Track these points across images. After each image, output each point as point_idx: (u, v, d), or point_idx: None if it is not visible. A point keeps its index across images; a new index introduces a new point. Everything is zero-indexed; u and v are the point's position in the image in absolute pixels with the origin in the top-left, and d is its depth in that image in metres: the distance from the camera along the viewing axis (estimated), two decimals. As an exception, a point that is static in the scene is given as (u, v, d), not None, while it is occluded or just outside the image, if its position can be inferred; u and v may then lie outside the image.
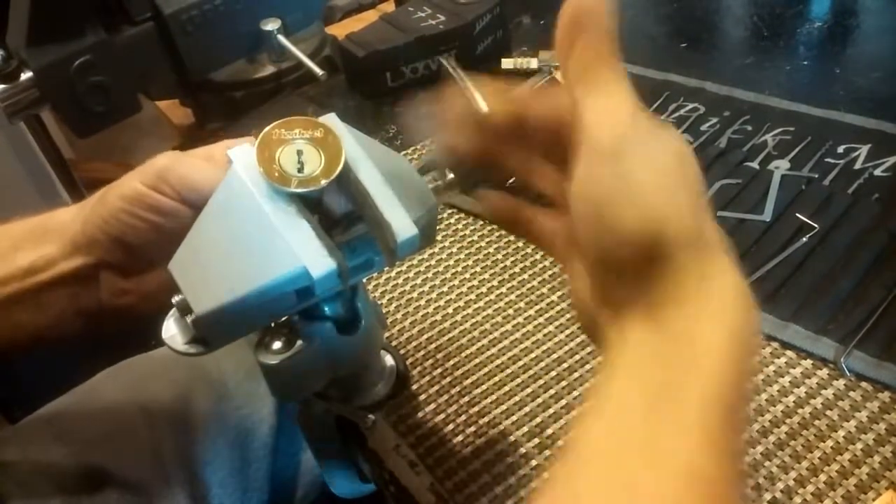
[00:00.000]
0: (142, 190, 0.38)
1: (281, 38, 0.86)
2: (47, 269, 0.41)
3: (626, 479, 0.24)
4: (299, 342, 0.40)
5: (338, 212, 0.36)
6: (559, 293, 0.60)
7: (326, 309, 0.40)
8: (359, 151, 0.35)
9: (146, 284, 0.41)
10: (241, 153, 0.35)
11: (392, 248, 0.34)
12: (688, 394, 0.25)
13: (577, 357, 0.55)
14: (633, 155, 0.26)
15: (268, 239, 0.33)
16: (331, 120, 0.36)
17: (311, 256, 0.33)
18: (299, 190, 0.33)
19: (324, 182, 0.33)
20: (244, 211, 0.34)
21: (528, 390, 0.54)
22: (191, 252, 0.34)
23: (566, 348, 0.56)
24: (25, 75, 0.73)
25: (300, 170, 0.33)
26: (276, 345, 0.40)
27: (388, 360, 0.54)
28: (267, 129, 0.34)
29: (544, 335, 0.57)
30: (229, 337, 0.37)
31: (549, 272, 0.62)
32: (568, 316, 0.58)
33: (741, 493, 0.26)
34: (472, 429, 0.52)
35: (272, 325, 0.41)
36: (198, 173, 0.37)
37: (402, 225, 0.34)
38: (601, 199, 0.27)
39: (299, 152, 0.34)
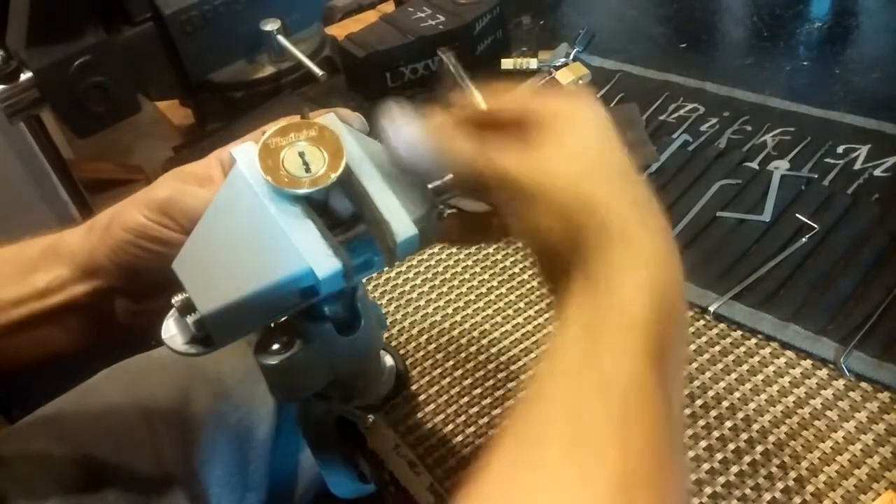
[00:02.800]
0: (146, 224, 0.39)
1: (281, 38, 0.86)
2: (62, 291, 0.41)
3: (573, 401, 0.28)
4: (299, 342, 0.40)
5: (338, 212, 0.36)
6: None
7: (326, 309, 0.40)
8: (358, 151, 0.35)
9: (158, 305, 0.42)
10: (243, 152, 0.34)
11: (391, 247, 0.34)
12: (616, 327, 0.29)
13: (576, 357, 0.55)
14: (556, 140, 0.32)
15: (272, 238, 0.33)
16: (329, 120, 0.36)
17: (316, 256, 0.33)
18: (311, 190, 0.33)
19: (333, 176, 0.33)
20: (248, 210, 0.34)
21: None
22: (195, 252, 0.34)
23: (566, 348, 0.56)
24: (25, 76, 0.73)
25: (307, 170, 0.33)
26: (276, 345, 0.40)
27: (388, 360, 0.54)
28: (264, 139, 0.34)
29: (544, 335, 0.57)
30: (232, 336, 0.37)
31: (549, 272, 0.62)
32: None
33: (678, 423, 0.30)
34: (472, 429, 0.52)
35: (272, 325, 0.41)
36: (201, 204, 0.37)
37: (402, 225, 0.34)
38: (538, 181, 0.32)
39: (301, 154, 0.34)
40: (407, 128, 0.35)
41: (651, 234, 0.32)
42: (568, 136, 0.33)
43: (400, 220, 0.34)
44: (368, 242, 0.36)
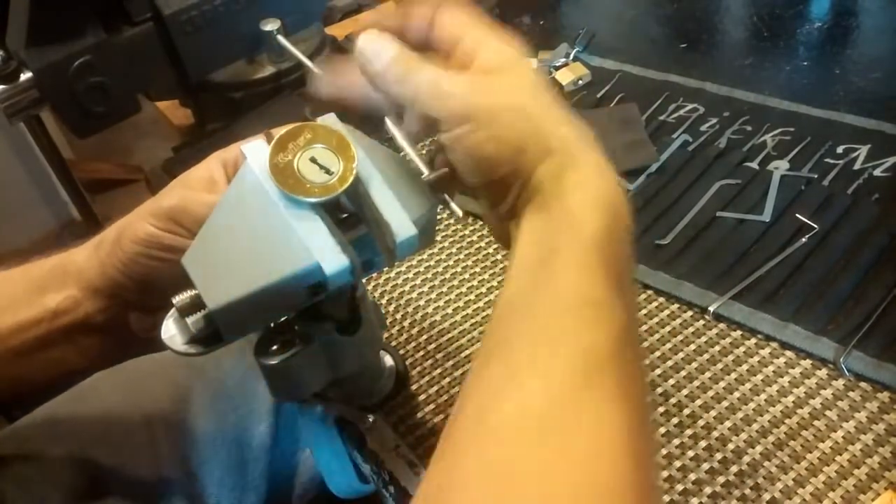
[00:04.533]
0: (156, 233, 0.39)
1: (281, 38, 0.86)
2: (74, 310, 0.42)
3: (534, 322, 0.30)
4: (299, 342, 0.40)
5: (341, 212, 0.36)
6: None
7: (328, 311, 0.40)
8: (358, 152, 0.35)
9: None
10: (254, 149, 0.34)
11: (391, 247, 0.34)
12: (571, 246, 0.31)
13: (576, 357, 0.55)
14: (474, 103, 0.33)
15: (282, 234, 0.33)
16: (330, 120, 0.36)
17: (325, 252, 0.33)
18: (324, 198, 0.33)
19: (346, 183, 0.33)
20: (258, 207, 0.34)
21: (528, 390, 0.53)
22: (204, 247, 0.35)
23: (566, 348, 0.56)
24: (25, 76, 0.73)
25: (328, 172, 0.33)
26: (276, 345, 0.40)
27: (388, 360, 0.54)
28: (272, 149, 0.33)
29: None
30: (240, 332, 0.37)
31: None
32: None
33: (635, 331, 0.33)
34: (472, 429, 0.52)
35: (272, 325, 0.41)
36: (209, 208, 0.37)
37: (402, 225, 0.34)
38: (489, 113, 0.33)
39: (313, 159, 0.34)
40: (382, 53, 0.35)
41: (594, 155, 0.34)
42: (510, 67, 0.34)
43: (400, 220, 0.34)
44: (369, 243, 0.36)
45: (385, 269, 0.65)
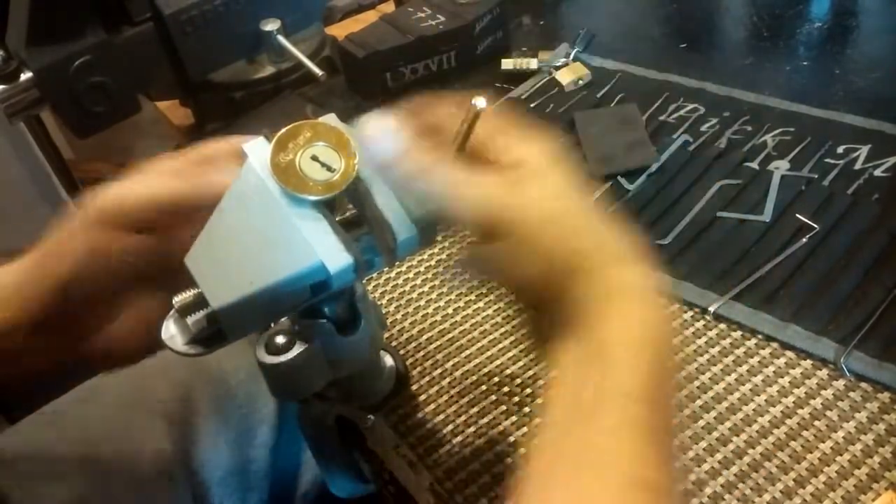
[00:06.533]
0: (94, 247, 0.36)
1: (281, 38, 0.86)
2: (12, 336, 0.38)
3: (575, 487, 0.27)
4: (299, 342, 0.40)
5: (342, 212, 0.36)
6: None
7: (326, 309, 0.40)
8: (359, 151, 0.35)
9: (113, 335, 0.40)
10: (255, 147, 0.34)
11: (391, 247, 0.34)
12: (608, 393, 0.29)
13: (576, 357, 0.55)
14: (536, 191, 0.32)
15: (285, 233, 0.33)
16: (330, 119, 0.36)
17: (328, 251, 0.33)
18: (326, 196, 0.33)
19: (348, 180, 0.33)
20: (260, 205, 0.34)
21: (528, 390, 0.54)
22: (207, 246, 0.35)
23: (566, 348, 0.56)
24: (25, 76, 0.73)
25: (329, 169, 0.33)
26: (277, 345, 0.40)
27: (388, 360, 0.54)
28: (272, 148, 0.33)
29: (544, 335, 0.57)
30: (243, 331, 0.37)
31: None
32: (568, 316, 0.58)
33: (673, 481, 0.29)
34: (472, 429, 0.52)
35: (273, 325, 0.41)
36: (152, 191, 0.36)
37: (402, 225, 0.34)
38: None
39: (315, 157, 0.34)
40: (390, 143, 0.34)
41: (638, 277, 0.31)
42: (543, 175, 0.32)
43: (400, 219, 0.34)
44: (370, 242, 0.36)
45: (385, 269, 0.65)
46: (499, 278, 0.34)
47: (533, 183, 0.32)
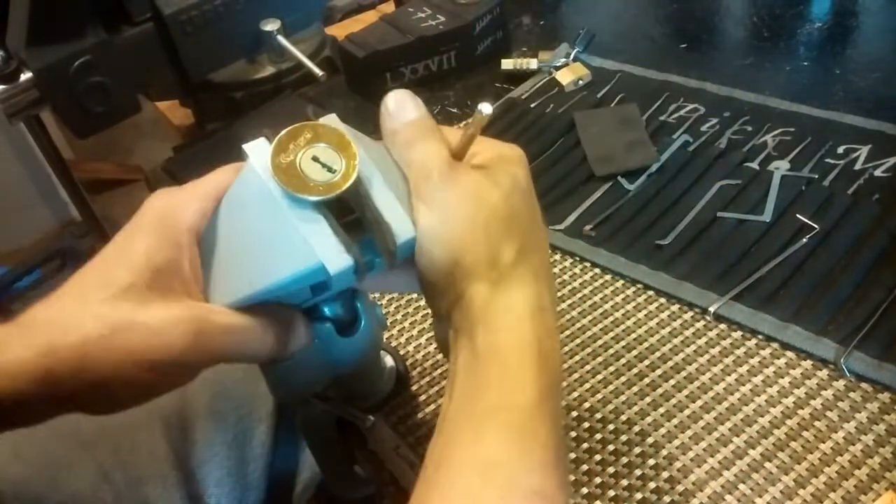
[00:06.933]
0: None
1: (281, 38, 0.86)
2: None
3: (463, 489, 0.29)
4: None
5: (344, 214, 0.36)
6: (558, 294, 0.60)
7: (326, 310, 0.40)
8: (360, 152, 0.35)
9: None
10: (255, 148, 0.34)
11: (392, 249, 0.34)
12: (495, 401, 0.31)
13: (576, 358, 0.55)
14: (439, 200, 0.34)
15: (285, 234, 0.33)
16: (331, 121, 0.36)
17: (328, 252, 0.33)
18: (326, 196, 0.33)
19: (349, 181, 0.33)
20: (261, 206, 0.34)
21: (528, 391, 0.53)
22: (207, 248, 0.35)
23: (566, 349, 0.56)
24: (25, 76, 0.73)
25: (330, 170, 0.33)
26: None
27: (388, 360, 0.54)
28: (273, 149, 0.33)
29: (544, 336, 0.57)
30: None
31: (549, 273, 0.62)
32: (568, 317, 0.58)
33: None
34: (472, 429, 0.52)
35: None
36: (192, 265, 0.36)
37: (402, 226, 0.34)
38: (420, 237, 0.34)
39: (316, 158, 0.33)
40: (405, 112, 0.36)
41: (533, 288, 0.34)
42: (498, 165, 0.35)
43: (401, 221, 0.34)
44: (370, 244, 0.36)
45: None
46: (418, 289, 0.36)
47: (481, 174, 0.34)
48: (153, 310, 0.32)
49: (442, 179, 0.34)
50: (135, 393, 0.34)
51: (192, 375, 0.35)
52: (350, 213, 0.35)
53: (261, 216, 0.34)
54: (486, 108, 0.33)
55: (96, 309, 0.32)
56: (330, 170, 0.33)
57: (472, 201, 0.34)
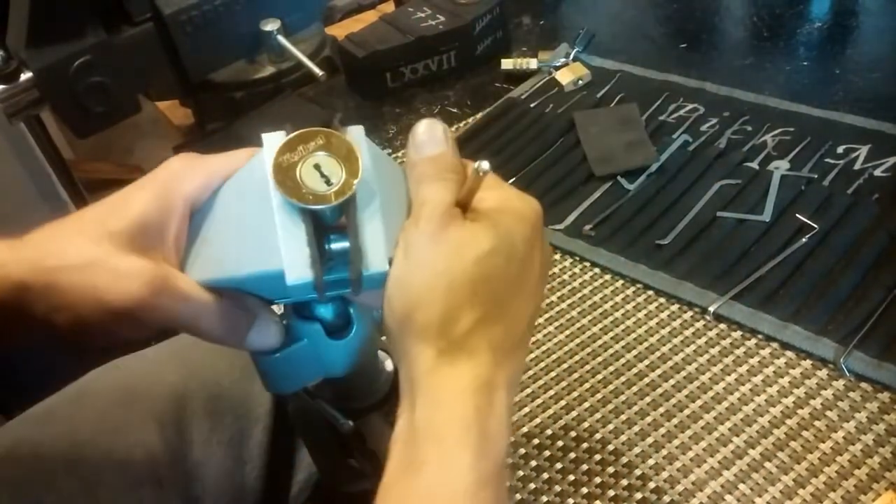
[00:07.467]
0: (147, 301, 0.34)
1: (281, 38, 0.86)
2: None
3: None
4: (289, 339, 0.39)
5: (337, 228, 0.36)
6: (558, 293, 0.60)
7: (317, 310, 0.40)
8: (367, 171, 0.34)
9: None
10: (272, 139, 0.34)
11: (355, 278, 0.33)
12: (432, 481, 0.30)
13: (576, 357, 0.55)
14: (415, 247, 0.32)
15: (264, 232, 0.33)
16: (354, 133, 0.35)
17: (294, 262, 0.32)
18: (323, 206, 0.33)
19: (344, 195, 0.33)
20: (256, 197, 0.34)
21: (528, 391, 0.54)
22: (199, 221, 0.35)
23: (566, 349, 0.56)
24: (25, 76, 0.73)
25: (328, 182, 0.33)
26: None
27: (388, 364, 0.54)
28: (279, 147, 0.33)
29: (544, 335, 0.57)
30: None
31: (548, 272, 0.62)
32: (568, 317, 0.58)
33: None
34: (472, 429, 0.52)
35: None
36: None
37: (375, 260, 0.33)
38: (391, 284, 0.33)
39: (317, 166, 0.33)
40: (427, 147, 0.36)
41: (484, 369, 0.32)
42: (497, 217, 0.33)
43: (376, 253, 0.33)
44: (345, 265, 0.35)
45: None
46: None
47: (475, 227, 0.33)
48: (125, 258, 0.34)
49: (428, 227, 0.33)
50: (93, 331, 0.35)
51: (145, 330, 0.36)
52: (340, 226, 0.35)
53: (252, 206, 0.34)
54: (484, 165, 0.32)
55: (80, 242, 0.34)
56: (328, 182, 0.33)
57: (446, 258, 0.32)
